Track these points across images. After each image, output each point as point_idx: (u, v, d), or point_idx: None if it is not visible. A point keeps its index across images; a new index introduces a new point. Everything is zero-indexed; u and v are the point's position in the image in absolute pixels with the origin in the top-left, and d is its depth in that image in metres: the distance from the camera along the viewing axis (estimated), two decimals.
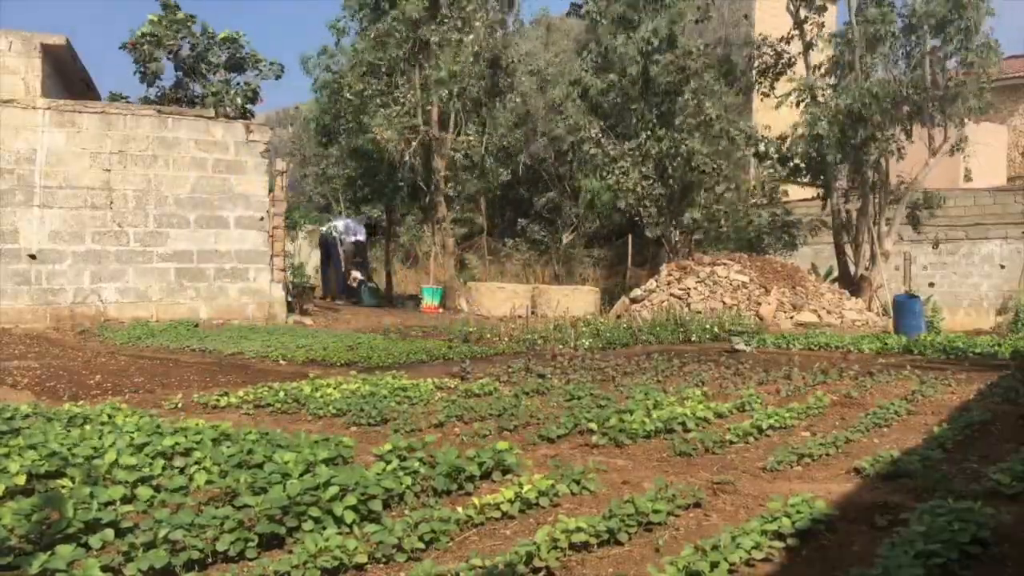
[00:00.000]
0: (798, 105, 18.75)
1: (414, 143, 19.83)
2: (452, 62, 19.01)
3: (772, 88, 20.55)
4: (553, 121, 22.90)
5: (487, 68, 20.94)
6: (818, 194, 20.63)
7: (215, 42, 17.28)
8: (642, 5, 18.78)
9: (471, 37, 19.49)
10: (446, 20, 19.44)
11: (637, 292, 17.43)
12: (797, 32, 19.66)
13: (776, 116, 20.33)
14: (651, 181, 18.46)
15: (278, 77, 18.25)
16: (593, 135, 19.14)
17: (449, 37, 19.28)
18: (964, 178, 18.74)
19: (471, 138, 20.83)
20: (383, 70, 19.93)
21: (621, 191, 18.19)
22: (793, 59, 20.34)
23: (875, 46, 18.13)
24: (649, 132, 18.49)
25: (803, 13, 19.46)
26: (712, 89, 18.35)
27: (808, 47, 19.51)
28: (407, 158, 19.85)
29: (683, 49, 18.06)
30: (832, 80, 19.26)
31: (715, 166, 18.13)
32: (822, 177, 19.61)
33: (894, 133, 18.17)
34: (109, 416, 5.27)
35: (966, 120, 18.73)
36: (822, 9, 19.44)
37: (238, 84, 17.52)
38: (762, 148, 19.61)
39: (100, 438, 4.39)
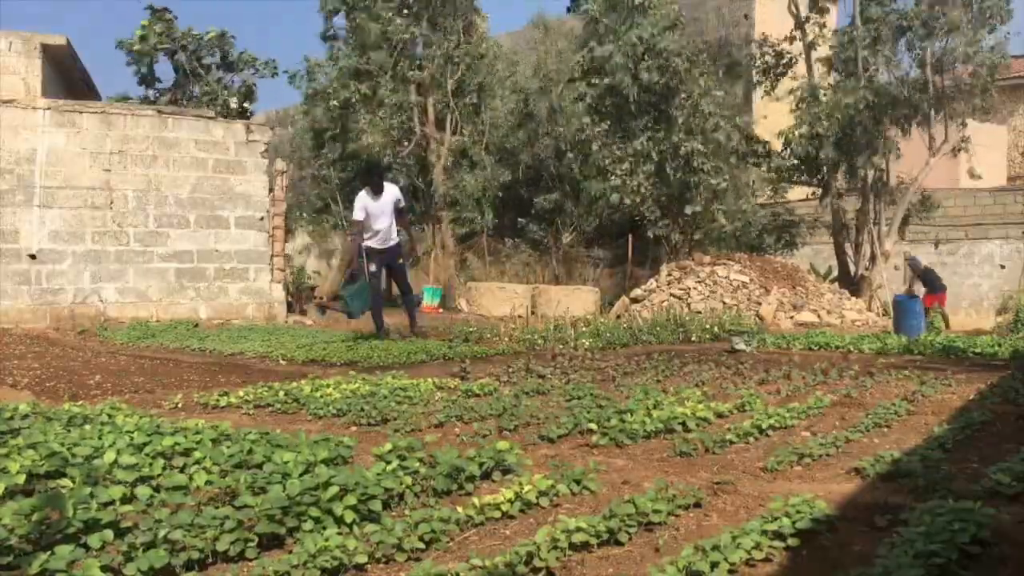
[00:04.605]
0: (799, 105, 18.73)
1: (409, 144, 19.82)
2: (433, 65, 19.09)
3: (773, 88, 20.52)
4: (555, 122, 22.82)
5: (468, 70, 20.93)
6: (814, 192, 20.62)
7: (204, 43, 17.34)
8: (627, 11, 18.74)
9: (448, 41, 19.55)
10: (420, 21, 19.52)
11: (637, 292, 17.42)
12: (799, 32, 19.64)
13: (778, 115, 20.33)
14: (652, 180, 18.44)
15: (274, 75, 18.29)
16: (597, 134, 19.08)
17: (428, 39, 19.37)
18: (974, 176, 18.72)
19: (465, 139, 20.81)
20: (371, 73, 19.93)
21: (628, 193, 18.15)
22: (794, 59, 20.33)
23: (877, 46, 18.12)
24: (648, 133, 18.46)
25: (804, 13, 19.45)
26: (705, 92, 18.27)
27: (810, 47, 19.49)
28: (399, 160, 19.85)
29: (671, 52, 17.97)
30: (833, 79, 19.24)
31: (713, 165, 18.11)
32: (821, 176, 19.60)
33: (886, 131, 18.15)
34: (109, 416, 5.25)
35: (970, 119, 18.71)
36: (823, 10, 19.42)
37: (234, 83, 17.56)
38: (760, 147, 19.59)
39: (100, 438, 4.37)
